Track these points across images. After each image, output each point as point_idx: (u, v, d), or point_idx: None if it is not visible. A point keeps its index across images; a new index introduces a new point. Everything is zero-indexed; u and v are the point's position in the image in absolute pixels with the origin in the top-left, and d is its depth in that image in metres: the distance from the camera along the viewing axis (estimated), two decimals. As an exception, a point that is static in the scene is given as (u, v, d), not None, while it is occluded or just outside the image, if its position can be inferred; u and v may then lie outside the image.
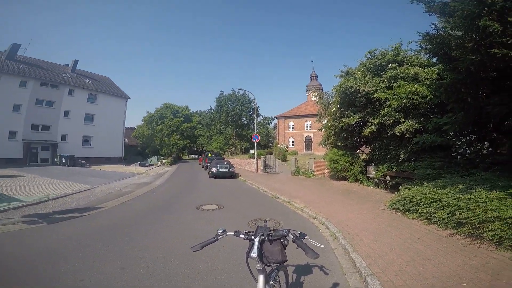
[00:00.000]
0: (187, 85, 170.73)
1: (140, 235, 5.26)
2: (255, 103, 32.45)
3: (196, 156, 57.40)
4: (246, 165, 25.20)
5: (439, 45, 6.13)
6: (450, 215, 4.97)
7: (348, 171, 13.11)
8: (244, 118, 47.88)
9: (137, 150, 45.54)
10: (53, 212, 7.31)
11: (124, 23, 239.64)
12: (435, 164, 8.25)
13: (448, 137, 7.60)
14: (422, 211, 5.77)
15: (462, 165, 7.47)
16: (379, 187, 11.29)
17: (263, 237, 1.72)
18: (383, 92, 10.36)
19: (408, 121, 9.47)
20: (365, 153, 14.13)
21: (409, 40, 11.96)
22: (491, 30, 4.48)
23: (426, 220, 5.61)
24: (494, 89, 6.01)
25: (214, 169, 17.25)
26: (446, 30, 5.88)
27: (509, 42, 4.34)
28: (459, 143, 7.39)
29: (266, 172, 20.53)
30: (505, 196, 4.49)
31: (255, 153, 22.70)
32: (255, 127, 26.69)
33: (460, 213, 4.74)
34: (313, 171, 17.11)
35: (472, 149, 7.15)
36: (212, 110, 51.75)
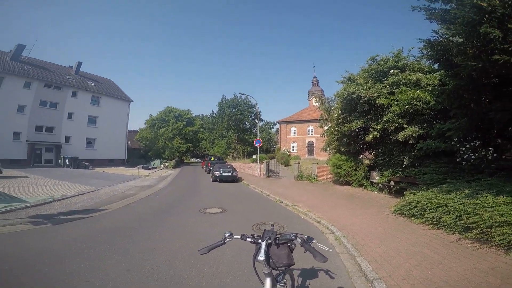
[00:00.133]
0: (189, 88, 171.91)
1: (144, 238, 5.26)
2: (257, 107, 32.61)
3: (199, 159, 57.51)
4: (249, 169, 25.20)
5: (441, 52, 6.20)
6: (457, 219, 4.95)
7: (351, 176, 13.07)
8: (246, 123, 48.05)
9: (140, 153, 45.68)
10: (58, 213, 7.34)
11: (128, 27, 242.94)
12: (439, 170, 8.23)
13: (452, 143, 7.59)
14: (428, 216, 5.74)
15: (467, 171, 7.45)
16: (383, 192, 11.24)
17: (270, 241, 1.72)
18: (385, 98, 10.42)
19: (411, 127, 9.49)
20: (368, 159, 14.10)
21: (410, 47, 12.08)
22: (492, 37, 4.53)
23: (432, 225, 5.58)
24: (496, 95, 6.05)
25: (217, 173, 17.27)
26: (447, 36, 5.93)
27: (510, 48, 4.39)
28: (464, 148, 7.37)
29: (268, 177, 20.51)
30: (512, 201, 4.47)
31: (258, 158, 22.73)
32: (257, 131, 26.75)
33: (467, 218, 4.72)
34: (316, 176, 17.07)
35: (476, 154, 7.13)
36: (214, 114, 52.02)
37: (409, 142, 9.58)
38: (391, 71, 11.08)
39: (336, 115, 13.48)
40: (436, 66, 8.38)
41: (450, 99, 6.90)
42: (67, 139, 29.20)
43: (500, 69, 4.88)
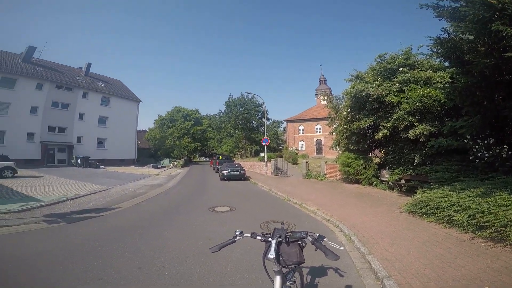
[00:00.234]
0: (196, 88, 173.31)
1: (155, 236, 5.35)
2: (264, 106, 32.56)
3: (207, 158, 57.91)
4: (257, 167, 25.23)
5: (451, 49, 6.08)
6: (470, 218, 4.85)
7: (361, 175, 12.92)
8: (253, 122, 48.02)
9: (149, 152, 46.39)
10: (71, 212, 7.53)
11: (136, 27, 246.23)
12: (452, 168, 8.05)
13: (465, 140, 7.42)
14: (440, 215, 5.63)
15: (480, 169, 7.27)
16: (394, 190, 11.08)
17: (280, 239, 1.72)
18: (395, 95, 10.26)
19: (422, 125, 9.32)
20: (378, 157, 13.92)
21: (419, 44, 11.84)
22: (504, 34, 4.42)
23: (445, 224, 5.48)
24: (510, 92, 5.86)
25: (225, 172, 17.38)
26: (457, 34, 5.80)
27: None
28: (477, 146, 7.19)
29: (276, 175, 20.50)
30: (528, 200, 4.35)
31: (265, 156, 22.72)
32: (265, 130, 26.73)
33: (480, 217, 4.62)
34: (325, 174, 16.96)
35: (490, 152, 6.94)
36: (221, 114, 52.19)
37: (420, 140, 9.42)
38: (400, 69, 10.91)
39: (344, 113, 13.35)
40: (446, 63, 8.18)
41: (462, 96, 6.74)
42: (78, 139, 29.88)
43: None
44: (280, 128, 54.68)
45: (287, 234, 1.78)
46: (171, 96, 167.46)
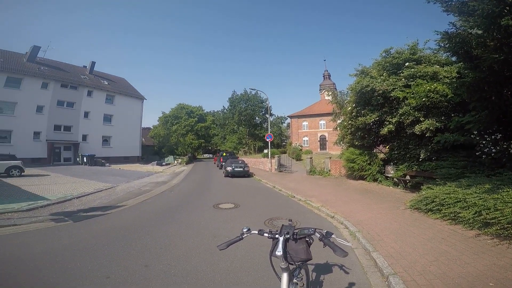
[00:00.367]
0: (200, 85, 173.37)
1: (160, 233, 5.40)
2: (267, 102, 32.47)
3: (211, 155, 58.19)
4: (260, 164, 25.26)
5: (459, 44, 5.97)
6: (476, 215, 4.80)
7: (365, 171, 12.85)
8: (257, 118, 48.06)
9: (154, 150, 46.72)
10: (78, 210, 7.62)
11: (138, 26, 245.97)
12: (458, 164, 7.96)
13: (472, 136, 7.32)
14: (445, 211, 5.59)
15: (487, 165, 7.18)
16: (399, 186, 11.01)
17: (288, 236, 1.72)
18: (400, 90, 10.14)
19: (428, 120, 9.23)
20: (383, 152, 13.82)
21: (426, 39, 11.62)
22: None
23: (450, 220, 5.44)
24: (519, 88, 5.74)
25: (229, 168, 17.45)
26: (465, 29, 5.68)
27: None
28: (484, 142, 7.09)
29: (280, 171, 20.50)
30: (536, 196, 4.29)
31: (269, 153, 22.71)
32: (268, 126, 26.67)
33: (487, 213, 4.57)
34: (329, 171, 16.91)
35: (498, 148, 6.84)
36: (225, 110, 52.29)
37: (426, 135, 9.33)
38: (407, 64, 10.76)
39: (349, 108, 13.23)
40: (454, 58, 8.02)
41: (470, 91, 6.63)
42: (84, 137, 30.22)
43: None
44: (283, 124, 54.62)
45: (295, 231, 1.77)
46: (175, 93, 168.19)
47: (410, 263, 3.64)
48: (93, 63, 35.16)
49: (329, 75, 47.26)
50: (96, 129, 31.26)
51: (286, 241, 1.72)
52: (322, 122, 39.47)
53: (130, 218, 6.85)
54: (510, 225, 4.15)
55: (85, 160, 26.16)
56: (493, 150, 6.89)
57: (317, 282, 3.17)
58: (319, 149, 38.89)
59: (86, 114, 30.51)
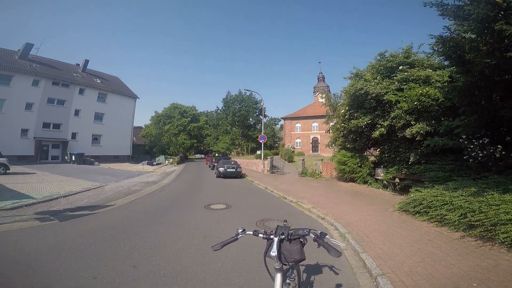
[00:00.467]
0: (194, 85, 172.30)
1: (150, 234, 5.33)
2: (262, 103, 32.54)
3: (203, 155, 57.84)
4: (253, 165, 25.25)
5: (453, 48, 6.07)
6: (462, 217, 4.93)
7: (356, 173, 13.02)
8: (251, 119, 48.10)
9: (144, 149, 46.17)
10: (64, 209, 7.44)
11: (132, 24, 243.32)
12: (446, 167, 8.15)
13: (460, 140, 7.50)
14: (432, 213, 5.71)
15: (474, 168, 7.37)
16: (388, 189, 11.19)
17: (283, 237, 1.73)
18: (393, 94, 10.28)
19: (419, 124, 9.39)
20: (373, 155, 14.02)
21: (420, 42, 11.84)
22: (507, 34, 4.41)
23: (437, 222, 5.56)
24: (508, 92, 5.89)
25: (221, 169, 17.37)
26: (459, 33, 5.80)
27: None
28: (472, 146, 7.28)
29: (272, 173, 20.54)
30: (519, 199, 4.43)
31: (262, 154, 22.73)
32: (262, 127, 26.71)
33: (472, 216, 4.70)
34: (321, 172, 17.04)
35: (484, 152, 7.03)
36: (219, 111, 52.13)
37: (416, 139, 9.49)
38: (400, 67, 10.90)
39: (342, 111, 13.36)
40: (446, 62, 8.18)
41: (461, 96, 6.78)
42: (73, 135, 29.66)
43: None
44: (277, 125, 54.82)
45: (290, 232, 1.79)
46: (169, 93, 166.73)
47: (398, 264, 3.70)
48: (86, 61, 34.65)
49: (324, 78, 47.73)
50: (86, 127, 30.71)
51: (280, 241, 1.73)
52: (315, 124, 39.79)
53: (119, 218, 6.73)
54: (493, 227, 4.28)
55: (73, 159, 25.61)
56: (480, 154, 7.07)
57: (308, 282, 3.18)
58: (311, 151, 39.17)
59: (76, 112, 29.98)
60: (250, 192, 11.75)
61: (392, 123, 10.29)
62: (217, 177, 17.55)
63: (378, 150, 13.39)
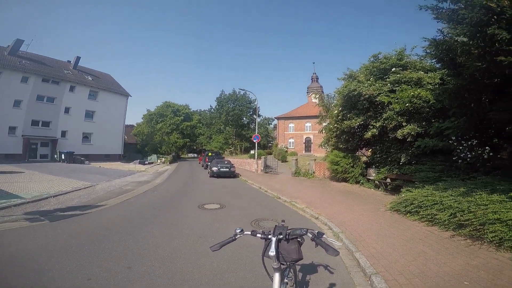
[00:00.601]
0: (188, 84, 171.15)
1: (143, 234, 5.27)
2: (256, 103, 32.54)
3: (196, 155, 57.49)
4: (246, 165, 25.25)
5: (445, 51, 6.20)
6: (451, 217, 5.05)
7: (348, 173, 13.18)
8: (244, 118, 48.02)
9: (136, 148, 45.55)
10: (54, 209, 7.29)
11: (126, 22, 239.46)
12: (436, 168, 8.34)
13: (450, 141, 7.68)
14: (423, 213, 5.84)
15: (462, 169, 7.57)
16: (380, 189, 11.37)
17: (281, 236, 1.75)
18: (386, 95, 10.42)
19: (410, 125, 9.55)
20: (365, 156, 14.22)
21: (413, 45, 12.02)
22: (498, 38, 4.51)
23: (427, 222, 5.69)
24: (497, 95, 6.06)
25: (214, 169, 17.29)
26: (452, 36, 5.91)
27: None
28: (461, 147, 7.47)
29: (266, 173, 20.59)
30: (506, 199, 4.58)
31: (256, 153, 22.76)
32: (256, 127, 26.72)
33: (461, 215, 4.82)
34: (314, 172, 17.18)
35: (473, 153, 7.24)
36: (212, 110, 51.86)
37: (407, 140, 9.67)
38: (393, 69, 11.04)
39: (335, 112, 13.50)
40: (438, 65, 8.32)
41: (451, 98, 6.93)
42: (63, 133, 29.04)
43: (504, 69, 4.88)
44: (270, 125, 54.91)
45: (288, 231, 1.81)
46: (161, 92, 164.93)
47: (391, 263, 3.77)
48: (78, 58, 33.93)
49: (317, 78, 47.99)
50: (76, 125, 30.10)
51: (278, 241, 1.75)
52: (308, 124, 40.02)
53: (111, 218, 6.63)
54: (482, 227, 4.40)
55: (63, 157, 25.07)
56: (469, 156, 7.27)
57: (304, 282, 3.22)
58: (304, 151, 39.39)
59: (67, 110, 29.34)
60: (244, 192, 11.75)
61: (384, 124, 10.45)
62: (210, 176, 17.48)
63: (370, 150, 13.58)
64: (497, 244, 4.13)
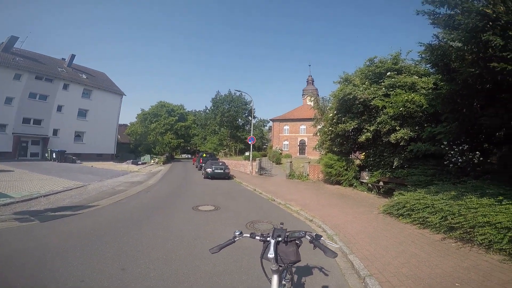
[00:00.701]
0: (183, 85, 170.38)
1: (137, 235, 5.22)
2: (251, 104, 32.58)
3: (189, 155, 57.08)
4: (241, 166, 25.21)
5: (440, 57, 6.25)
6: (442, 220, 5.17)
7: (342, 176, 13.29)
8: (240, 120, 47.96)
9: (129, 148, 44.97)
10: (45, 209, 7.16)
11: (123, 22, 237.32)
12: (427, 172, 8.48)
13: (442, 146, 7.83)
14: (415, 216, 5.95)
15: (453, 173, 7.71)
16: (372, 192, 11.50)
17: (280, 239, 1.78)
18: (380, 99, 10.49)
19: (403, 129, 9.65)
20: (359, 159, 14.37)
21: (408, 49, 12.13)
22: (492, 45, 4.59)
23: (419, 225, 5.79)
24: (488, 101, 6.15)
25: (209, 170, 17.19)
26: (447, 41, 5.97)
27: (508, 56, 4.46)
28: (452, 152, 7.62)
29: (261, 175, 20.60)
30: (495, 203, 4.70)
31: (251, 155, 22.76)
32: (251, 129, 26.77)
33: (452, 218, 4.93)
34: (308, 175, 17.26)
35: (464, 158, 7.39)
36: (207, 110, 51.68)
37: (400, 144, 9.78)
38: (388, 73, 11.10)
39: (330, 115, 13.57)
40: (432, 70, 8.41)
41: (444, 103, 7.01)
42: (55, 132, 28.54)
43: (496, 76, 4.95)
44: (265, 127, 54.98)
45: (287, 234, 1.84)
46: (157, 92, 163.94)
47: (384, 265, 3.83)
48: (72, 56, 33.41)
49: (313, 81, 48.46)
50: (69, 123, 29.60)
51: (277, 243, 1.77)
52: (302, 127, 40.28)
53: (104, 218, 6.55)
54: (472, 230, 4.52)
55: (54, 156, 24.61)
56: (460, 160, 7.42)
57: (300, 284, 3.24)
58: (298, 154, 39.58)
59: (59, 108, 28.84)
60: (238, 194, 11.73)
61: (378, 128, 10.55)
62: (204, 178, 17.38)
63: (363, 154, 13.71)
64: (487, 247, 4.24)
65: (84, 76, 33.13)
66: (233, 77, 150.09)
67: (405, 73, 10.98)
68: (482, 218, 4.42)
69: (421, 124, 9.59)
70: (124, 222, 6.21)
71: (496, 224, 4.20)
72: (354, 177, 13.08)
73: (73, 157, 25.39)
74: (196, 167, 26.68)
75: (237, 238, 1.88)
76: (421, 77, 10.45)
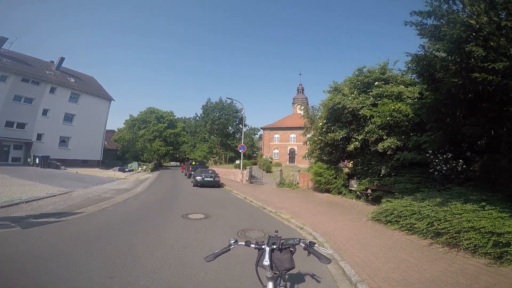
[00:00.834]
0: (173, 91, 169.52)
1: (125, 243, 5.07)
2: (242, 112, 32.71)
3: (178, 163, 56.24)
4: (231, 174, 25.07)
5: (425, 67, 6.46)
6: (429, 226, 5.32)
7: (331, 184, 13.46)
8: (230, 128, 47.95)
9: (116, 154, 43.88)
10: (27, 215, 6.87)
11: (113, 28, 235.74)
12: (414, 179, 8.74)
13: (427, 154, 8.11)
14: (403, 222, 6.08)
15: (438, 181, 7.97)
16: (361, 199, 11.68)
17: (275, 246, 1.80)
18: (368, 109, 10.75)
19: (390, 138, 9.91)
20: (348, 167, 14.61)
21: (395, 59, 12.55)
22: (475, 55, 4.81)
23: (407, 231, 5.92)
24: (470, 111, 6.40)
25: (198, 178, 16.99)
26: (432, 51, 6.22)
27: (489, 67, 4.68)
28: (437, 160, 7.90)
29: (251, 183, 20.53)
30: (478, 208, 4.90)
31: (241, 163, 22.70)
32: (242, 137, 26.78)
33: (438, 224, 5.08)
34: (298, 183, 17.36)
35: (448, 166, 7.67)
36: (197, 118, 51.38)
37: (387, 153, 10.03)
38: (376, 83, 11.38)
39: (320, 124, 13.79)
40: (418, 80, 8.67)
41: (429, 112, 7.24)
42: (39, 136, 27.52)
43: (478, 86, 5.16)
44: (256, 135, 55.12)
45: (281, 241, 1.86)
46: (146, 98, 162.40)
47: (375, 271, 3.88)
48: (61, 59, 32.54)
49: (303, 89, 49.08)
50: (54, 128, 28.64)
51: (271, 251, 1.79)
52: (292, 135, 40.65)
53: (89, 226, 6.33)
54: (457, 235, 4.66)
55: (37, 162, 23.67)
56: (444, 168, 7.70)
57: None
58: (288, 162, 39.80)
59: (45, 112, 27.92)
60: (229, 202, 11.62)
61: (366, 137, 10.79)
62: (194, 186, 17.15)
63: (352, 162, 13.97)
64: (472, 251, 4.38)
65: (73, 80, 32.41)
66: (224, 84, 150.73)
67: (392, 83, 11.29)
68: (467, 223, 4.58)
69: (407, 133, 9.88)
70: (111, 230, 6.02)
71: (480, 229, 4.37)
72: (343, 185, 13.28)
73: (57, 163, 24.52)
74: (185, 175, 26.31)
75: (232, 246, 1.89)
76: (408, 87, 10.76)
